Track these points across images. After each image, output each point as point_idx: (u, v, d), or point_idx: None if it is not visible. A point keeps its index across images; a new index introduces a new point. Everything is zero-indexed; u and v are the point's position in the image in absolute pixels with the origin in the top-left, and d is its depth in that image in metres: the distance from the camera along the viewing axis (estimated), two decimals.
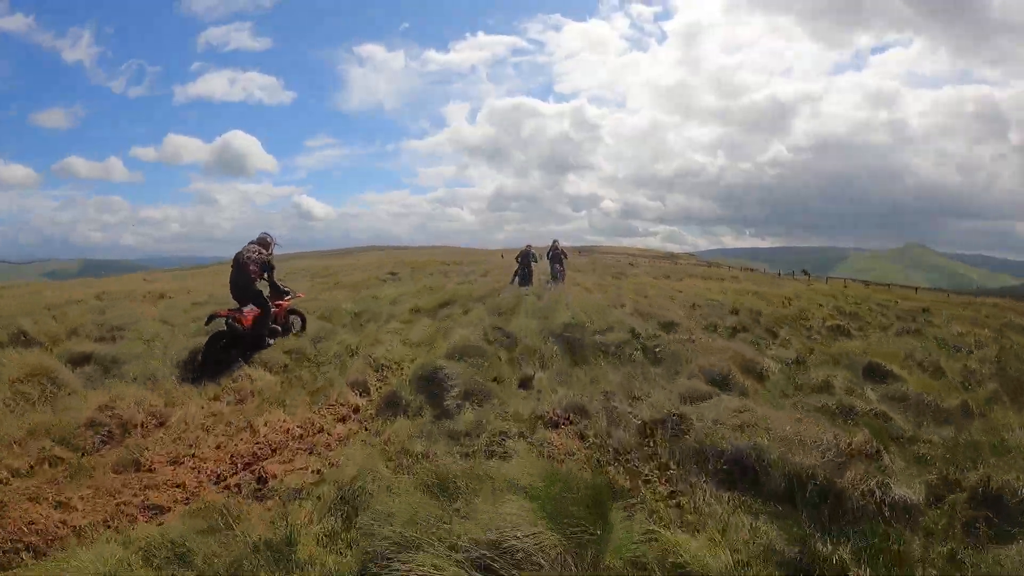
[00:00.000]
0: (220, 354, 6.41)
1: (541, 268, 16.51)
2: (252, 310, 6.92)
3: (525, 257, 15.22)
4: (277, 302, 7.43)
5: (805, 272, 40.18)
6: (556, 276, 15.80)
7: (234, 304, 7.01)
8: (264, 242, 7.27)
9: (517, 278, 15.04)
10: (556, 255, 15.92)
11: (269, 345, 7.09)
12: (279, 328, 7.49)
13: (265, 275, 7.17)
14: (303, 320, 8.20)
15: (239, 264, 6.95)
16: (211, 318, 6.85)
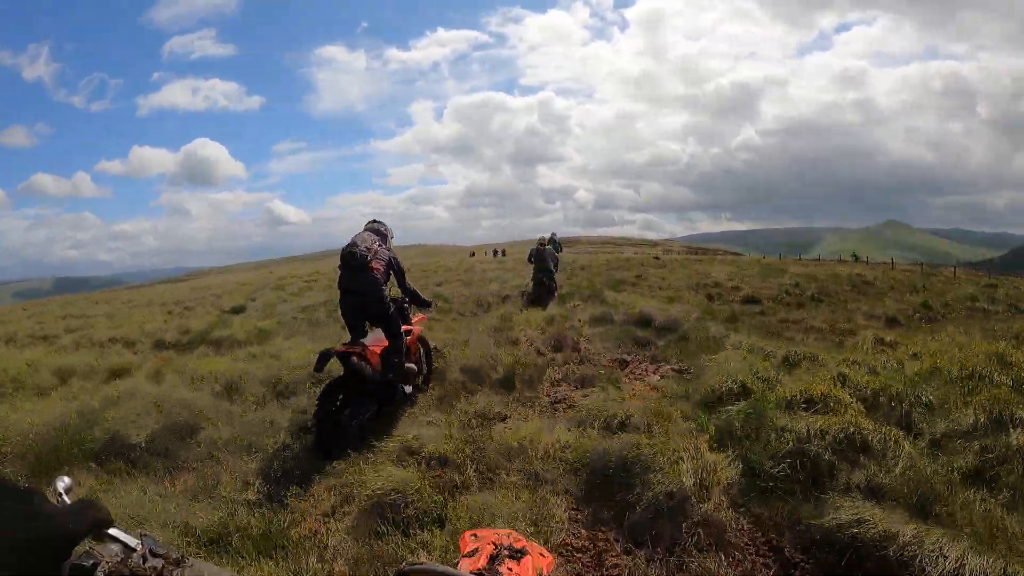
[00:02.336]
0: (335, 417, 3.99)
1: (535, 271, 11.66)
2: (378, 340, 4.54)
3: (542, 256, 10.41)
4: (406, 327, 4.86)
5: (855, 256, 35.61)
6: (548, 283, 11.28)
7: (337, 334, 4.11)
8: (380, 232, 4.73)
9: (533, 289, 10.54)
10: (554, 251, 12.88)
11: (409, 398, 4.73)
12: (414, 368, 4.90)
13: (390, 279, 4.65)
14: (428, 357, 5.48)
15: (354, 261, 4.33)
16: (323, 357, 4.11)
